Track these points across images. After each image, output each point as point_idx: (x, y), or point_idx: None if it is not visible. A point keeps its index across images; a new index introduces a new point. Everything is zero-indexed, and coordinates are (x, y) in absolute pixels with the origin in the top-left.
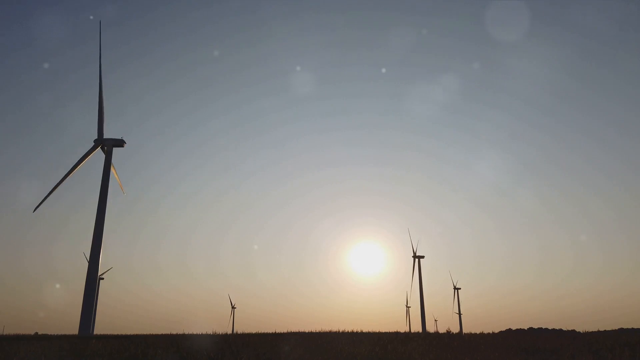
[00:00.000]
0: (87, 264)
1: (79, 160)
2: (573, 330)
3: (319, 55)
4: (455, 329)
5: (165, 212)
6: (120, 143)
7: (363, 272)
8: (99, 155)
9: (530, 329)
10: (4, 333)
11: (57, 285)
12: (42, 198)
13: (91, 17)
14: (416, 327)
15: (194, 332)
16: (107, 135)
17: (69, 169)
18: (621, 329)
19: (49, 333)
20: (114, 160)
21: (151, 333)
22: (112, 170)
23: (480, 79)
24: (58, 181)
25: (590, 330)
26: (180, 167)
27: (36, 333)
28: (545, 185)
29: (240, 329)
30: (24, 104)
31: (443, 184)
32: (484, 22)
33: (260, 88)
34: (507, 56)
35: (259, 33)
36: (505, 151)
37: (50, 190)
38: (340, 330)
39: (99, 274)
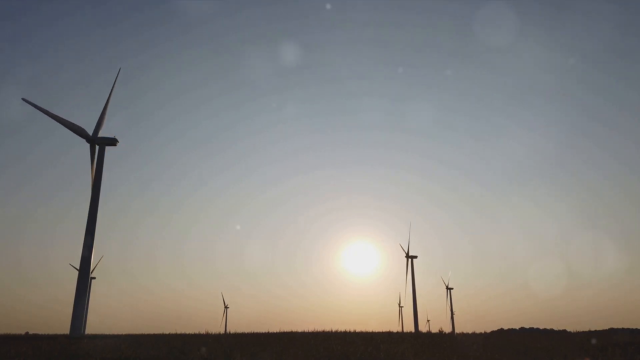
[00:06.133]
0: (75, 271)
1: (73, 125)
2: (564, 330)
3: (318, 54)
4: (447, 329)
5: (159, 211)
6: (113, 142)
7: (356, 272)
8: (94, 154)
9: (522, 328)
10: None
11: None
12: (35, 105)
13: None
14: (409, 327)
15: (187, 332)
16: (101, 135)
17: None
18: (612, 329)
19: (40, 333)
20: (106, 160)
21: (143, 333)
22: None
23: (478, 80)
24: (54, 114)
25: (582, 330)
26: (175, 167)
27: (27, 333)
28: (538, 185)
29: (233, 328)
30: (10, 103)
31: (437, 184)
32: (478, 23)
33: (257, 88)
34: (505, 57)
35: (259, 31)
36: (499, 152)
37: (43, 109)
38: (333, 330)
39: (91, 272)
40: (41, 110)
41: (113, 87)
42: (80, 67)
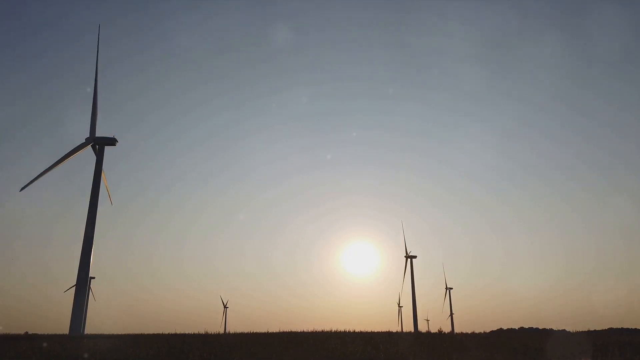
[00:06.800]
0: (75, 271)
1: (70, 152)
2: (563, 330)
3: (316, 54)
4: (447, 329)
5: (159, 212)
6: (112, 142)
7: (356, 272)
8: (91, 154)
9: (521, 328)
10: None
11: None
12: (31, 180)
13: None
14: (408, 327)
15: (186, 332)
16: (99, 133)
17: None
18: (611, 329)
19: (40, 333)
20: (105, 160)
21: (143, 333)
22: (103, 179)
23: (474, 79)
24: (48, 167)
25: (581, 330)
26: (174, 167)
27: (26, 333)
28: (538, 185)
29: (232, 328)
30: (15, 101)
31: (436, 184)
32: (482, 22)
33: (255, 88)
34: (501, 56)
35: (258, 32)
36: (499, 151)
37: (38, 174)
38: (333, 330)
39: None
40: (40, 176)
41: (98, 51)
42: (79, 67)
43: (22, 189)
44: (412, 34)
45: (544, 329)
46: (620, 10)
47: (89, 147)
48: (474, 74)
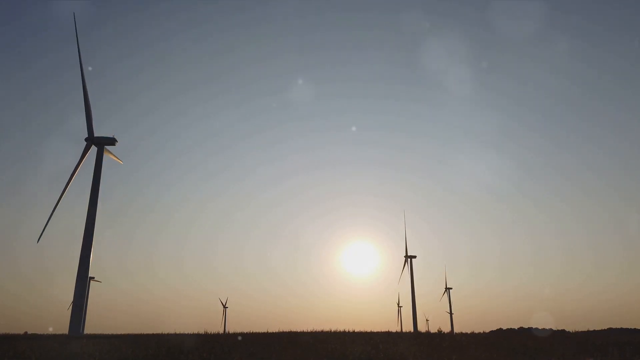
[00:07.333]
0: (75, 271)
1: (76, 165)
2: (563, 330)
3: (315, 54)
4: (446, 329)
5: (159, 212)
6: (111, 142)
7: (356, 272)
8: (90, 153)
9: (521, 328)
10: None
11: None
12: (43, 226)
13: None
14: (408, 327)
15: (186, 332)
16: (97, 133)
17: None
18: (610, 329)
19: (39, 332)
20: (105, 160)
21: (142, 333)
22: (106, 153)
23: (477, 80)
24: (56, 202)
25: (580, 330)
26: (174, 167)
27: (26, 332)
28: (537, 186)
29: (232, 328)
30: (11, 105)
31: (436, 184)
32: (487, 22)
33: (255, 88)
34: (506, 58)
35: (259, 32)
36: (499, 152)
37: (49, 214)
38: (332, 330)
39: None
40: (52, 215)
41: (78, 44)
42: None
43: (39, 239)
44: (413, 34)
45: (544, 329)
46: (622, 10)
47: (89, 144)
48: (474, 74)
